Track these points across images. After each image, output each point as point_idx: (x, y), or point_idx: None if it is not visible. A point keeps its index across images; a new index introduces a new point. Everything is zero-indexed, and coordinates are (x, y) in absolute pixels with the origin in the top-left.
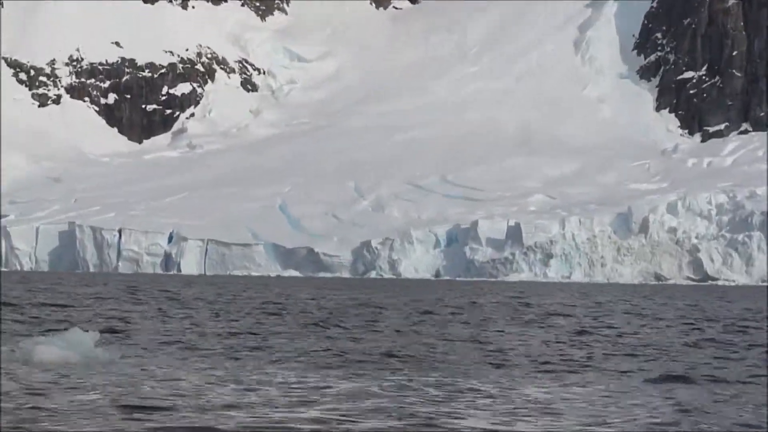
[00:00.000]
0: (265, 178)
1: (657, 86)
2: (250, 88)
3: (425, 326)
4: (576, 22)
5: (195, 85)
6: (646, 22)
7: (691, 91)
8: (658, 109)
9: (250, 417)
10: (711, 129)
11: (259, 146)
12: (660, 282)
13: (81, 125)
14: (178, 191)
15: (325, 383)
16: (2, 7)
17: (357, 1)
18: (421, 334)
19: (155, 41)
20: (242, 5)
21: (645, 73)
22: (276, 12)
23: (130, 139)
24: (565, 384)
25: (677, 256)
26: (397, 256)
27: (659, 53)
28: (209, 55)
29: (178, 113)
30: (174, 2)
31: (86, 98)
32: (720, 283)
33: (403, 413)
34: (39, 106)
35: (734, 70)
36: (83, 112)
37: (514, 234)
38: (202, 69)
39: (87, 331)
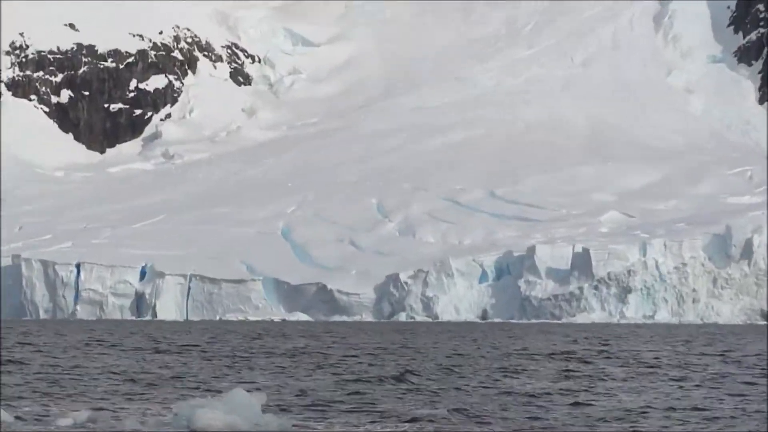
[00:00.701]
0: (263, 196)
1: (759, 72)
2: (241, 80)
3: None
4: None
5: (172, 77)
6: None
7: None
8: (761, 100)
9: None
10: None
11: (255, 155)
12: None
13: (26, 130)
14: (153, 214)
15: None
16: None
17: None
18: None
19: (120, 23)
20: None
21: (744, 55)
22: None
23: (89, 147)
24: None
25: None
26: (432, 293)
27: (762, 30)
28: (189, 40)
29: (150, 114)
30: None
31: (33, 96)
32: None
33: None
34: None
35: None
36: (29, 113)
37: (582, 263)
38: (180, 57)
39: (251, 391)
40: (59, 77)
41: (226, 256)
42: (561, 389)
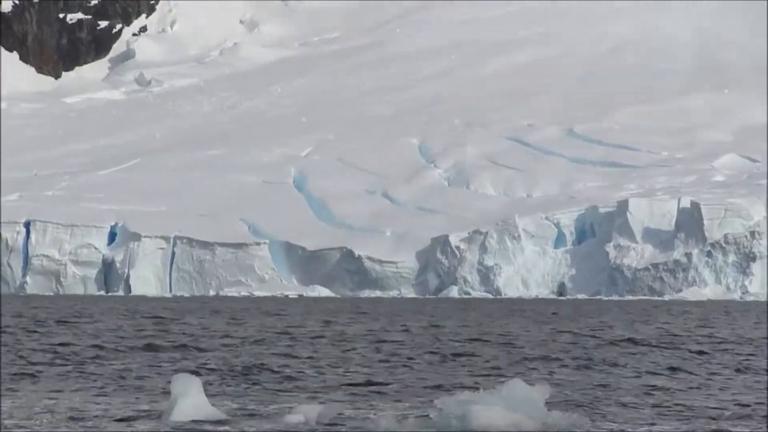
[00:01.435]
0: (268, 135)
1: None
2: None
3: None
4: None
5: None
6: None
7: None
8: None
9: None
10: None
11: (257, 81)
12: None
13: None
14: (124, 157)
15: None
16: None
17: None
18: None
19: None
20: None
21: None
22: None
23: (40, 71)
24: None
25: None
26: (492, 260)
27: None
28: None
29: (119, 27)
30: None
31: None
32: None
33: None
34: None
35: None
36: None
37: (690, 222)
38: None
39: (532, 384)
40: None
41: (221, 212)
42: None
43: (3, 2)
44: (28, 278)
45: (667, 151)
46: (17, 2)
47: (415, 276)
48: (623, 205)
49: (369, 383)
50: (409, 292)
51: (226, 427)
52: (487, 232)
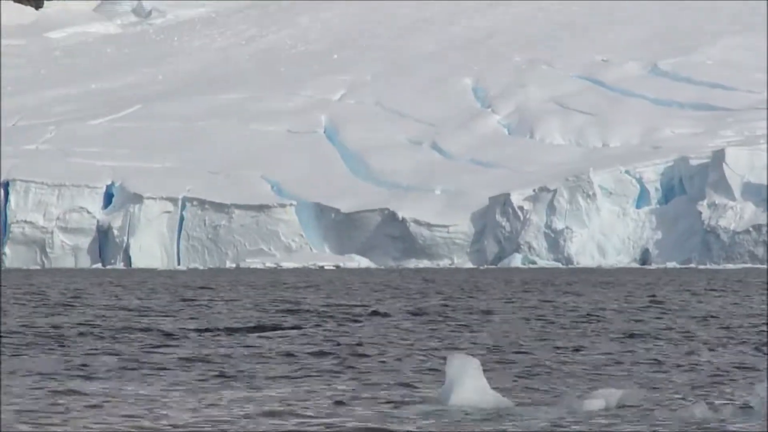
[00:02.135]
0: (294, 75)
1: None
2: None
3: None
4: None
5: None
6: None
7: None
8: None
9: None
10: None
11: (281, 10)
12: None
13: None
14: (121, 104)
15: None
16: None
17: None
18: None
19: None
20: None
21: None
22: None
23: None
24: None
25: None
26: (563, 224)
27: None
28: None
29: None
30: None
31: None
32: None
33: None
34: None
35: None
36: None
37: None
38: None
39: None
40: None
41: (238, 168)
42: None
43: None
44: (6, 249)
45: None
46: None
47: (470, 242)
48: (719, 156)
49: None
50: (463, 262)
51: (515, 414)
52: (555, 190)
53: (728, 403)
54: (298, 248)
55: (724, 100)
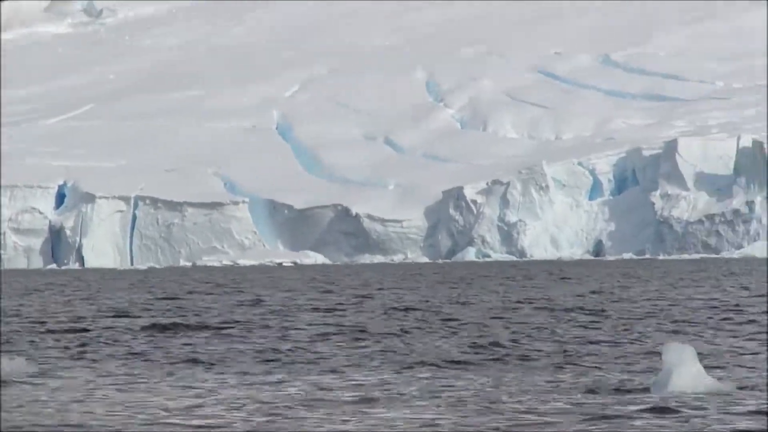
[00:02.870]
0: (247, 72)
1: None
2: None
3: None
4: None
5: None
6: None
7: None
8: None
9: None
10: None
11: (233, 7)
12: None
13: None
14: (74, 103)
15: None
16: None
17: None
18: None
19: None
20: None
21: None
22: None
23: None
24: None
25: None
26: (515, 216)
27: None
28: None
29: None
30: None
31: None
32: None
33: None
34: None
35: None
36: None
37: (752, 163)
38: None
39: None
40: None
41: (192, 166)
42: None
43: None
44: None
45: (723, 81)
46: None
47: (424, 237)
48: (671, 147)
49: None
50: (417, 256)
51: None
52: (509, 183)
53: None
54: (252, 245)
55: (676, 90)
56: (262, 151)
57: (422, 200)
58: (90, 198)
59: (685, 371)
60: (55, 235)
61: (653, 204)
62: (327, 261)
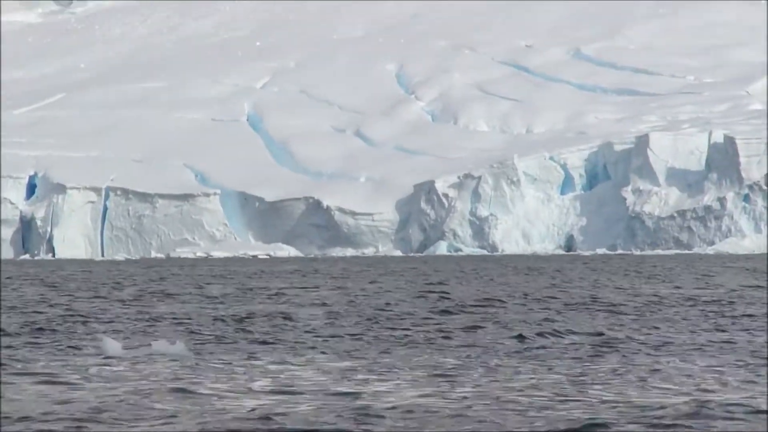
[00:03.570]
0: (217, 63)
1: None
2: None
3: None
4: None
5: None
6: None
7: None
8: None
9: None
10: None
11: None
12: None
13: None
14: (44, 93)
15: None
16: None
17: None
18: None
19: None
20: None
21: None
22: None
23: None
24: None
25: None
26: (487, 210)
27: None
28: None
29: None
30: None
31: None
32: None
33: None
34: None
35: None
36: None
37: (723, 159)
38: None
39: None
40: None
41: (162, 157)
42: None
43: None
44: None
45: (694, 75)
46: None
47: (395, 230)
48: (643, 141)
49: None
50: (388, 250)
51: None
52: (480, 177)
53: None
54: (223, 237)
55: (648, 85)
56: (233, 142)
57: (393, 193)
58: (61, 189)
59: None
60: (26, 225)
61: (625, 199)
62: (299, 254)
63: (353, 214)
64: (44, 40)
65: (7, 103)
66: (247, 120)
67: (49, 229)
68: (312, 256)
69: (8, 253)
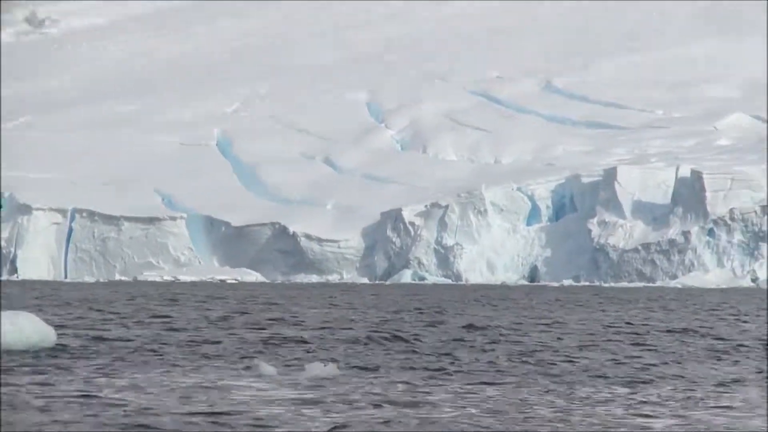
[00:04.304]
0: (188, 87)
1: None
2: None
3: None
4: None
5: None
6: None
7: None
8: None
9: None
10: None
11: (176, 21)
12: None
13: None
14: (10, 114)
15: None
16: None
17: None
18: None
19: None
20: None
21: None
22: None
23: None
24: None
25: None
26: (452, 239)
27: None
28: None
29: None
30: None
31: None
32: None
33: None
34: None
35: None
36: None
37: (690, 194)
38: None
39: None
40: None
41: (129, 180)
42: None
43: None
44: None
45: (662, 110)
46: None
47: (360, 258)
48: (610, 174)
49: None
50: (352, 277)
51: None
52: (447, 206)
53: None
54: (188, 261)
55: (617, 118)
56: (202, 167)
57: (360, 221)
58: (26, 209)
59: None
60: None
61: (590, 231)
62: (263, 279)
63: (319, 240)
64: (13, 61)
65: None
66: (217, 145)
67: (12, 250)
68: (278, 281)
69: None
